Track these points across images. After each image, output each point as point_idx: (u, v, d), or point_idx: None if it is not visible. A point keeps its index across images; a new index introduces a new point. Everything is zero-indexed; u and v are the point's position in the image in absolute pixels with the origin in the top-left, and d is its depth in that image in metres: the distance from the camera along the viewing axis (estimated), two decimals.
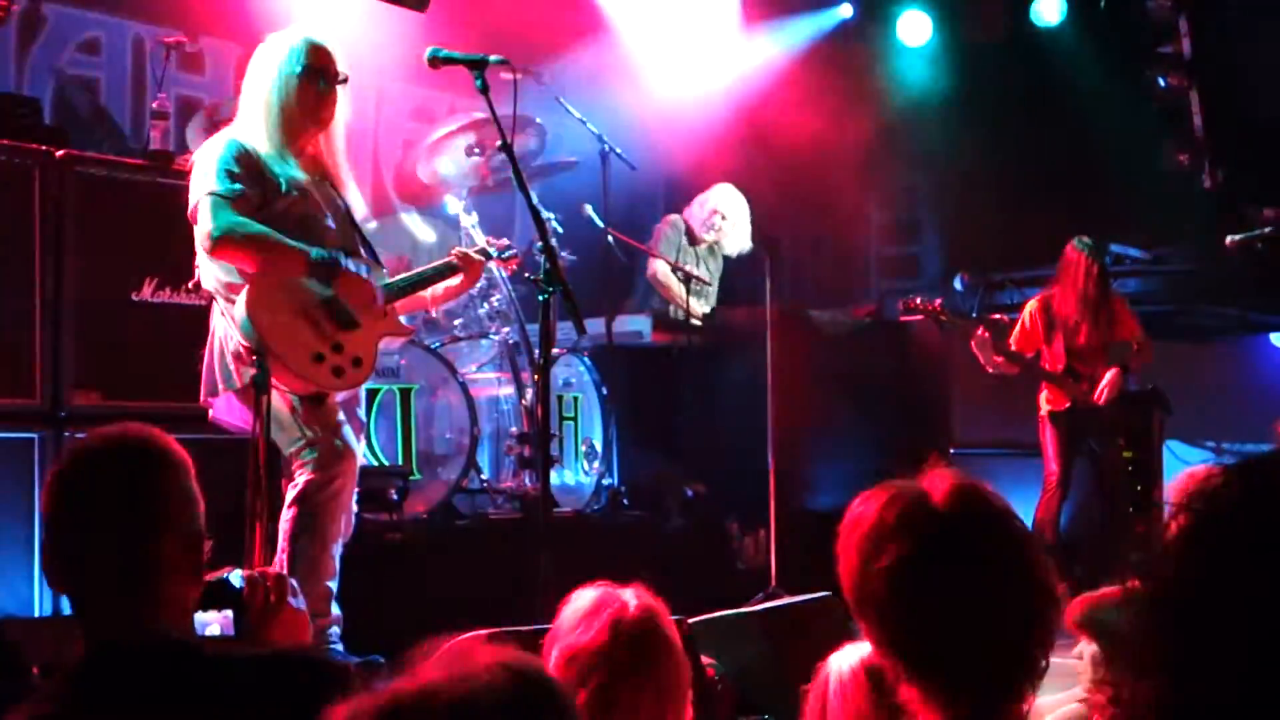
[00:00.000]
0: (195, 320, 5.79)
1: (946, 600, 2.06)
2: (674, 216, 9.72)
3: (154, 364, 5.76)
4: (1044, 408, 8.40)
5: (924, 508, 2.12)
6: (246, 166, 5.09)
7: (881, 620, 2.12)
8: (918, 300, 8.31)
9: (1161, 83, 10.79)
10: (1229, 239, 8.43)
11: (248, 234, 5.00)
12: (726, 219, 9.58)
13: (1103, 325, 8.36)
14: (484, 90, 5.13)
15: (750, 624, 4.67)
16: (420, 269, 5.79)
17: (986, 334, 8.21)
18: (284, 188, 5.16)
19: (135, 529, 2.27)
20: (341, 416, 5.22)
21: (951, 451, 9.71)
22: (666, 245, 9.42)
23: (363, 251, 5.47)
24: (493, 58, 5.18)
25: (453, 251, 5.83)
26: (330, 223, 5.30)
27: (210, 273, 5.13)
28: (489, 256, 5.93)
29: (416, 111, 10.00)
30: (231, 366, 5.02)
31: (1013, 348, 8.35)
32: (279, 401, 5.01)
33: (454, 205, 7.80)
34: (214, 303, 5.16)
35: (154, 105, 6.67)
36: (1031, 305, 8.50)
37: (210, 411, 5.19)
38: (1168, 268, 10.70)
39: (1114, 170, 11.04)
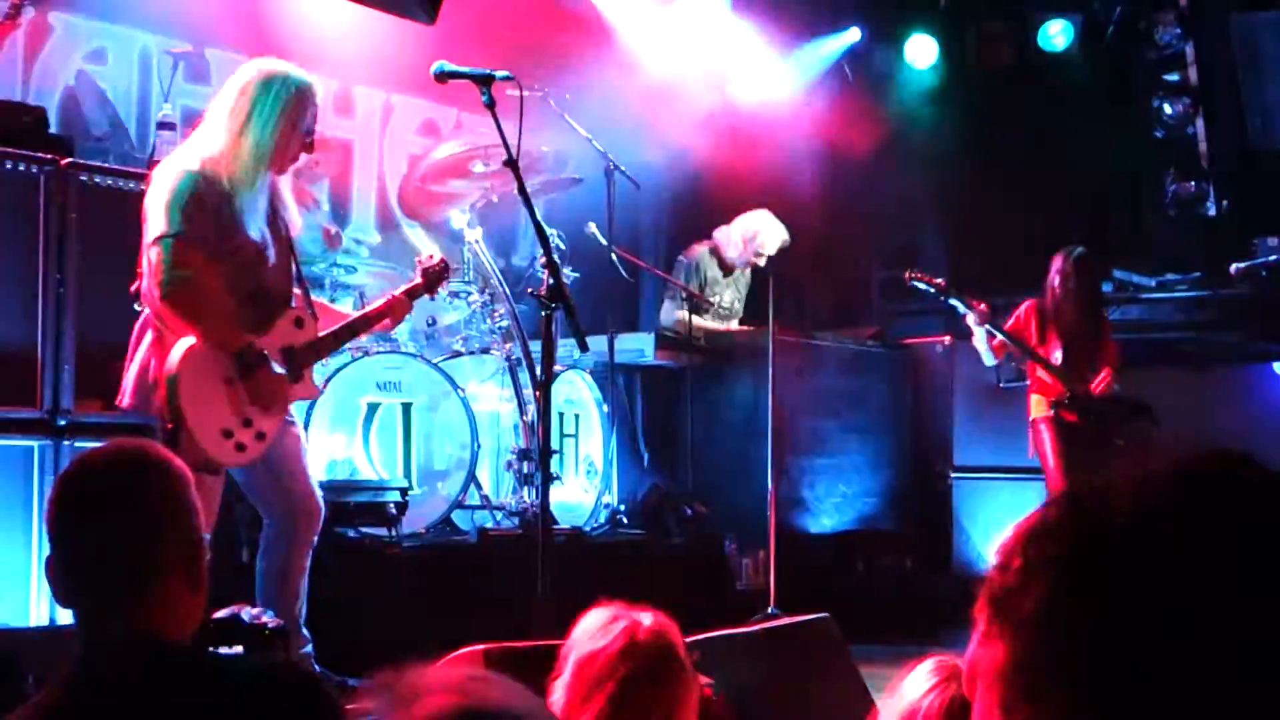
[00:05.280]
0: None
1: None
2: (702, 250, 9.62)
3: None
4: (1035, 411, 8.31)
5: None
6: (206, 202, 4.99)
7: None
8: (924, 274, 8.26)
9: (1168, 110, 10.82)
10: (1233, 267, 8.44)
11: (196, 303, 4.93)
12: (767, 248, 9.53)
13: (1092, 335, 8.34)
14: (490, 106, 5.12)
15: (748, 644, 4.65)
16: (350, 319, 5.66)
17: (987, 309, 8.19)
18: (241, 227, 5.08)
19: (134, 536, 2.31)
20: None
21: (952, 475, 9.72)
22: (688, 279, 9.32)
23: (297, 291, 5.45)
24: (499, 73, 5.17)
25: (389, 297, 5.73)
26: (273, 258, 5.25)
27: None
28: (415, 295, 5.82)
29: (423, 126, 10.01)
30: (148, 392, 4.99)
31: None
32: None
33: (458, 220, 7.81)
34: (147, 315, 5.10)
35: (160, 115, 6.68)
36: (1026, 305, 8.49)
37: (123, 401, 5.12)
38: (1172, 294, 10.70)
39: (1119, 197, 11.05)
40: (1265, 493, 1.21)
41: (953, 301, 8.23)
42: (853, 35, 11.78)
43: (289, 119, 5.15)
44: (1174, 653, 1.17)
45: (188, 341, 4.92)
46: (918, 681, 2.57)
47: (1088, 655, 1.34)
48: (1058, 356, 8.29)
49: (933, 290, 8.25)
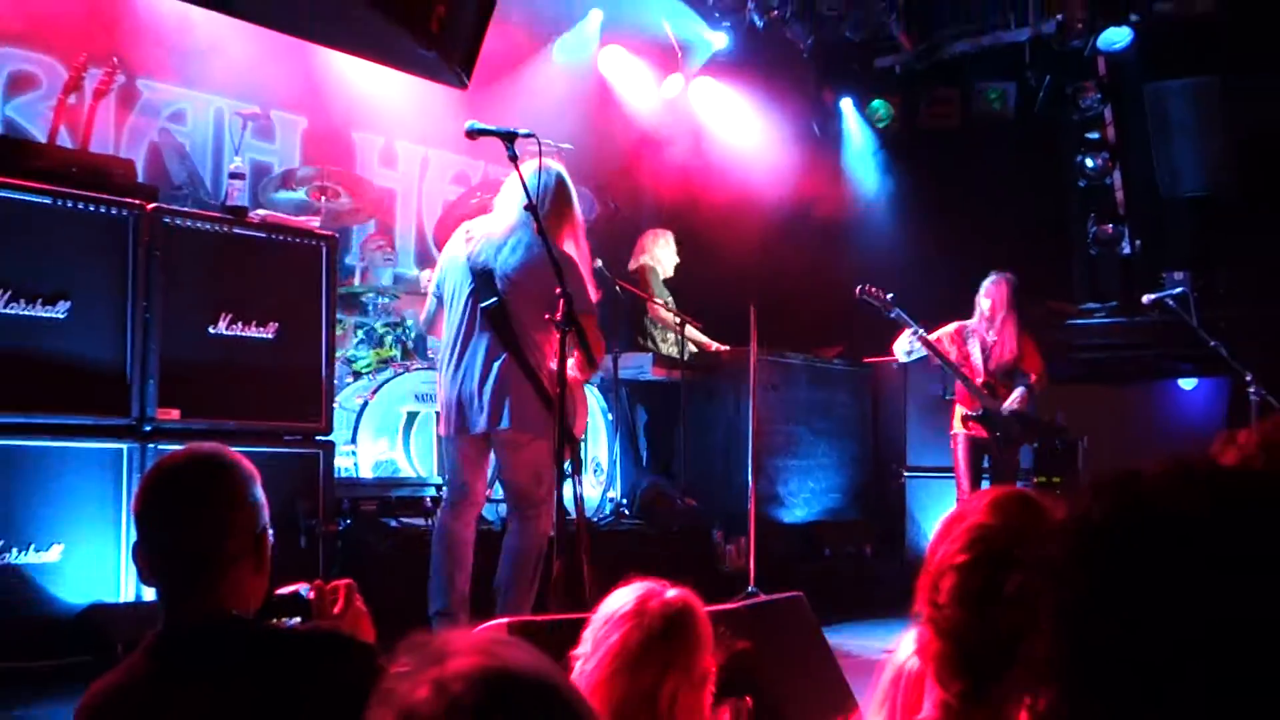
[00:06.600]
0: (262, 351, 5.79)
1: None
2: (653, 265, 9.56)
3: (226, 387, 5.75)
4: (955, 426, 8.28)
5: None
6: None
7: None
8: (873, 289, 8.16)
9: (1089, 164, 10.83)
10: (1145, 297, 8.43)
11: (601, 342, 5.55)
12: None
13: (1012, 352, 8.27)
14: (514, 159, 5.11)
15: (732, 619, 4.63)
16: None
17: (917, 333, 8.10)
18: None
19: (208, 528, 2.30)
20: None
21: (905, 474, 9.70)
22: (658, 291, 9.39)
23: None
24: (521, 131, 5.17)
25: None
26: None
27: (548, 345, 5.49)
28: None
29: (456, 176, 10.00)
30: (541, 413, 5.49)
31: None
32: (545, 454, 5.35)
33: None
34: (531, 352, 5.53)
35: (231, 167, 6.66)
36: (953, 327, 8.39)
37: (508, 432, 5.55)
38: (1092, 320, 10.71)
39: (1048, 237, 11.05)
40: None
41: (895, 314, 8.09)
42: (848, 106, 11.76)
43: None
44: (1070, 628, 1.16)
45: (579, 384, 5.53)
46: (906, 646, 2.63)
47: (994, 634, 1.41)
48: (981, 362, 8.22)
49: (878, 304, 8.11)
